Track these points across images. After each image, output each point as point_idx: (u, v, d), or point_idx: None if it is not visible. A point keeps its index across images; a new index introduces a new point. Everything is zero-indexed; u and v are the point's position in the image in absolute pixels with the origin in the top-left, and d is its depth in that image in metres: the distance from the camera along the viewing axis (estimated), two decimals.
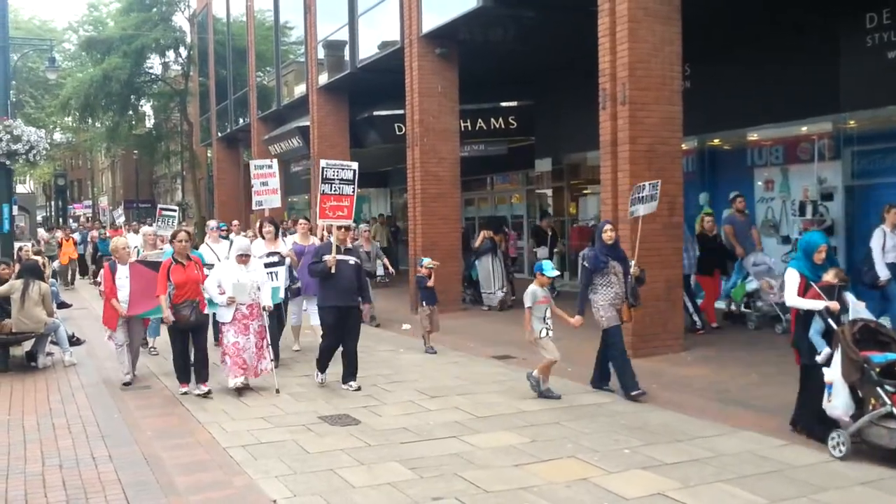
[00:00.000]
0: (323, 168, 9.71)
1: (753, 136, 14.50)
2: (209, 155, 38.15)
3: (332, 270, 8.94)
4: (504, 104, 19.36)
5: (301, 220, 12.27)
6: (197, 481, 6.14)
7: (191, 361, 9.12)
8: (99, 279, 14.01)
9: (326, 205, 9.64)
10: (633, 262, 8.91)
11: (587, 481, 5.88)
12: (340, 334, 9.10)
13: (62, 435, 7.58)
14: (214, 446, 7.03)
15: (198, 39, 36.29)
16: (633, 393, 8.21)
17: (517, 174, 21.76)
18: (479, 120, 19.01)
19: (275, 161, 12.32)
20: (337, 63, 19.86)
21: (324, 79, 20.49)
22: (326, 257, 8.99)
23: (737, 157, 14.92)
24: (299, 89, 22.88)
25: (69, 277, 24.79)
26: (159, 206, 15.03)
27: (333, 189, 9.68)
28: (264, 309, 9.13)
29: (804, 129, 13.53)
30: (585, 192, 19.16)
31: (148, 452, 6.89)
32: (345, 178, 9.77)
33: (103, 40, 38.44)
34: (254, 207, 12.37)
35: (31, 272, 11.13)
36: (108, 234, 22.46)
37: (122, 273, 9.77)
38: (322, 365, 9.34)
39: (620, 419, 7.60)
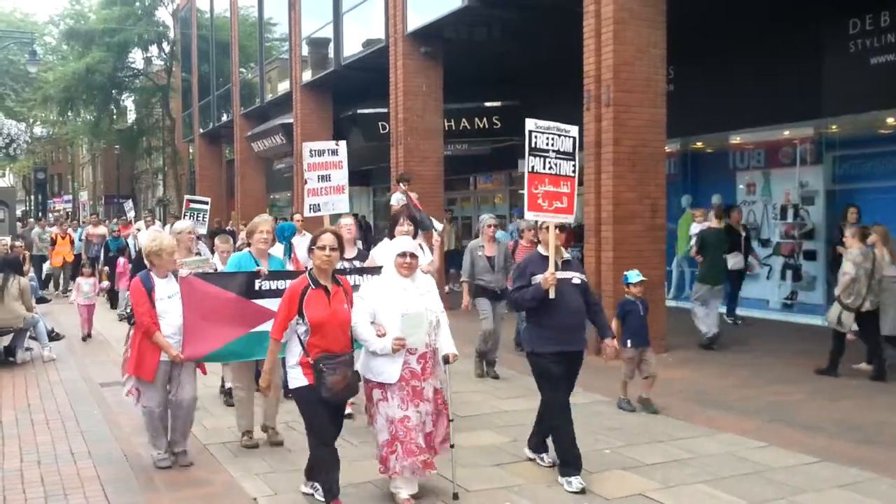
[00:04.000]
0: (530, 132, 6.26)
1: (736, 140, 14.63)
2: (191, 151, 37.93)
3: (552, 295, 5.87)
4: (488, 104, 19.38)
5: (405, 220, 7.82)
6: (176, 478, 6.11)
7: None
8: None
9: (538, 190, 6.17)
10: None
11: None
12: (567, 390, 6.09)
13: (41, 431, 7.52)
14: (194, 443, 6.98)
15: (181, 35, 36.08)
16: None
17: (500, 174, 21.80)
18: (464, 119, 19.04)
19: (342, 143, 8.50)
20: (321, 60, 19.82)
21: (308, 76, 20.45)
22: (539, 277, 5.90)
23: (719, 159, 15.05)
24: (283, 86, 22.83)
25: (63, 284, 20.22)
26: (186, 196, 12.84)
27: (547, 166, 6.25)
28: (445, 361, 5.61)
29: (786, 133, 13.66)
30: None
31: (127, 449, 6.85)
32: (562, 149, 6.37)
33: (85, 32, 38.21)
34: (307, 213, 8.77)
35: (11, 266, 11.05)
36: (118, 232, 18.30)
37: (164, 291, 6.20)
38: (566, 452, 5.82)
39: (601, 420, 7.61)
